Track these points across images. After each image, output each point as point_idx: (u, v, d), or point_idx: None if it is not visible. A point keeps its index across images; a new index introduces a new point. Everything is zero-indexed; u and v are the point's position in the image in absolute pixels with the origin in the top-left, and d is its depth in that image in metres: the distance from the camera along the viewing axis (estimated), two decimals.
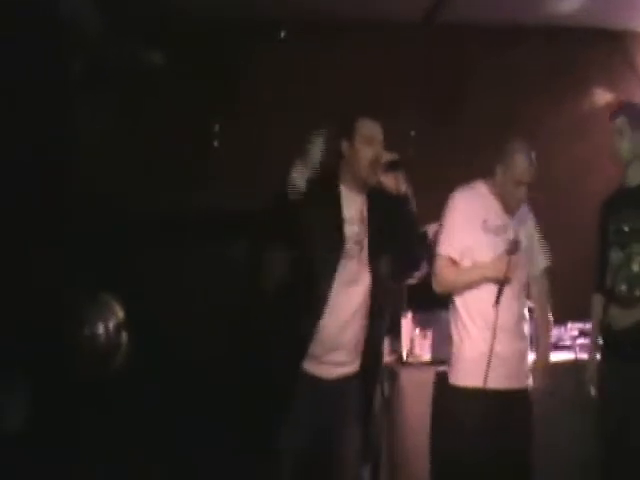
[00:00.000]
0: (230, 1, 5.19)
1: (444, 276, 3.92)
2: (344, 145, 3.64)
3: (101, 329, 4.05)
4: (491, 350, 3.74)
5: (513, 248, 3.75)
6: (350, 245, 3.59)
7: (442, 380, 4.03)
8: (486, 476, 3.77)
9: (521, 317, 3.92)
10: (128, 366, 4.12)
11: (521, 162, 3.85)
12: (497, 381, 3.78)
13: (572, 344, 4.94)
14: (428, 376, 4.57)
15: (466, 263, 3.88)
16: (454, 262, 3.89)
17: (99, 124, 4.54)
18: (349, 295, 3.60)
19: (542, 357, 4.03)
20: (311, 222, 3.55)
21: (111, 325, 4.09)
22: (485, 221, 3.87)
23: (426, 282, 4.81)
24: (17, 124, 3.84)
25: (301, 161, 3.50)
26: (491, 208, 3.91)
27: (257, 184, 5.04)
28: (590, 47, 5.95)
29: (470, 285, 3.85)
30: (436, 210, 4.81)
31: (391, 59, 5.66)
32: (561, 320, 5.20)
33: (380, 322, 3.75)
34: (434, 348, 4.73)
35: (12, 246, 3.82)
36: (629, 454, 3.77)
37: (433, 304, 4.71)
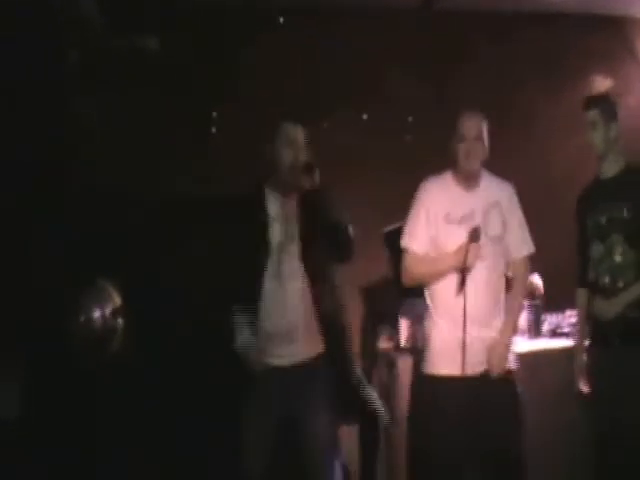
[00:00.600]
0: None
1: (411, 269, 3.87)
2: (267, 148, 3.77)
3: (97, 314, 4.04)
4: (464, 338, 3.67)
5: (473, 236, 3.67)
6: (278, 243, 3.72)
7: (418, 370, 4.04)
8: (470, 462, 3.74)
9: (494, 304, 3.84)
10: (124, 352, 4.11)
11: (463, 120, 3.82)
12: (473, 368, 3.71)
13: (570, 331, 4.92)
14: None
15: (431, 251, 3.82)
16: (417, 254, 3.84)
17: (98, 112, 4.53)
18: (288, 290, 3.70)
19: (499, 339, 3.84)
20: (237, 224, 3.75)
21: (107, 311, 4.08)
22: (448, 214, 3.79)
23: None
24: (17, 116, 3.83)
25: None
26: (455, 198, 3.83)
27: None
28: (589, 34, 5.92)
29: (437, 276, 3.80)
30: None
31: (389, 45, 5.63)
32: (559, 307, 5.22)
33: (333, 311, 3.95)
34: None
35: (10, 231, 3.81)
36: (618, 442, 3.77)
37: None
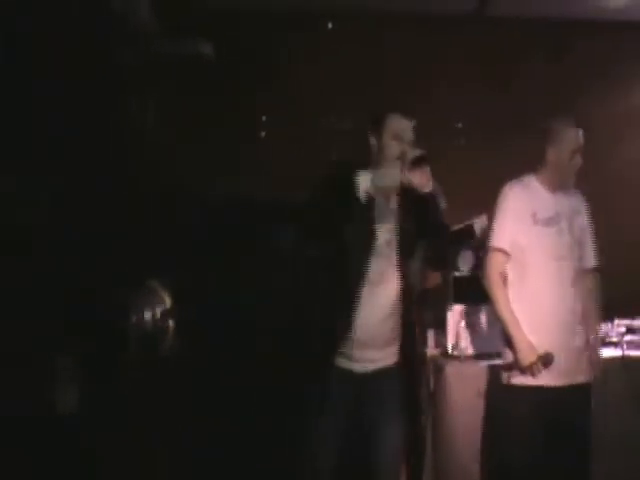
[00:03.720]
0: None
1: (493, 273, 3.92)
2: (372, 140, 3.59)
3: (148, 316, 4.07)
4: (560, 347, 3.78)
5: (546, 360, 3.76)
6: (380, 244, 3.54)
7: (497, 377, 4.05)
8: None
9: (580, 310, 3.91)
10: (174, 354, 4.14)
11: (572, 131, 3.90)
12: (563, 378, 3.81)
13: (619, 341, 4.87)
14: (473, 370, 4.58)
15: (516, 256, 3.88)
16: (506, 254, 3.89)
17: (151, 116, 4.57)
18: (378, 294, 3.54)
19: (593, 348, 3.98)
20: (343, 221, 3.49)
21: (158, 312, 4.11)
22: (534, 214, 3.87)
23: (472, 275, 4.82)
24: (73, 118, 3.87)
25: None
26: (541, 200, 3.92)
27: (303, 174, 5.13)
28: (637, 42, 5.87)
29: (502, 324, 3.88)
30: (484, 200, 4.83)
31: (440, 51, 5.63)
32: (608, 316, 5.17)
33: (417, 319, 3.75)
34: (478, 342, 4.73)
35: (59, 231, 3.85)
36: None
37: (480, 297, 4.70)
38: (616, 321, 5.10)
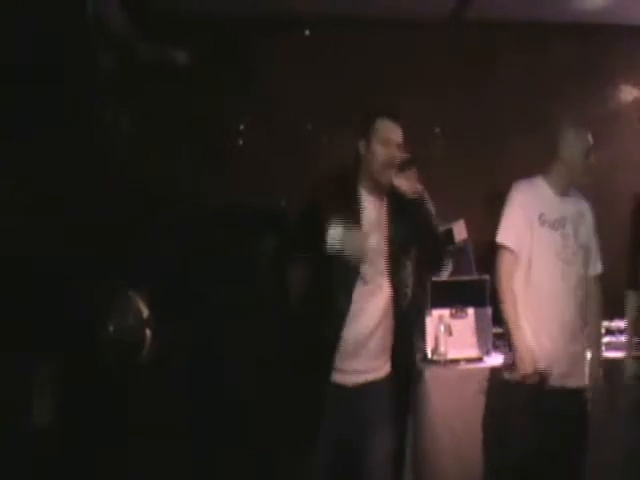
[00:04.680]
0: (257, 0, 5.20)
1: (505, 271, 3.97)
2: (361, 145, 3.59)
3: (125, 325, 4.06)
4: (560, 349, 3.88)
5: (544, 377, 3.87)
6: (369, 252, 3.52)
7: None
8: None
9: (581, 316, 4.00)
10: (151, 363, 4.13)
11: (585, 134, 3.98)
12: (563, 380, 3.90)
13: (609, 342, 4.86)
14: (453, 374, 4.59)
15: (521, 254, 3.92)
16: (511, 250, 3.93)
17: (125, 123, 4.56)
18: (369, 303, 3.52)
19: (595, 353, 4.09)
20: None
21: (136, 322, 4.10)
22: (542, 214, 3.93)
23: (451, 279, 4.84)
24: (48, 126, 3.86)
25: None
26: (548, 202, 3.97)
27: (282, 183, 5.13)
28: (618, 44, 5.88)
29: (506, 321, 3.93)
30: (461, 205, 4.85)
31: (417, 57, 5.62)
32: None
33: (406, 326, 3.67)
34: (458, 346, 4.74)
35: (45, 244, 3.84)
36: None
37: (458, 301, 4.72)
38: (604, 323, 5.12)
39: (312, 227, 3.49)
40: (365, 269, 3.50)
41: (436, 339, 4.73)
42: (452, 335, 4.72)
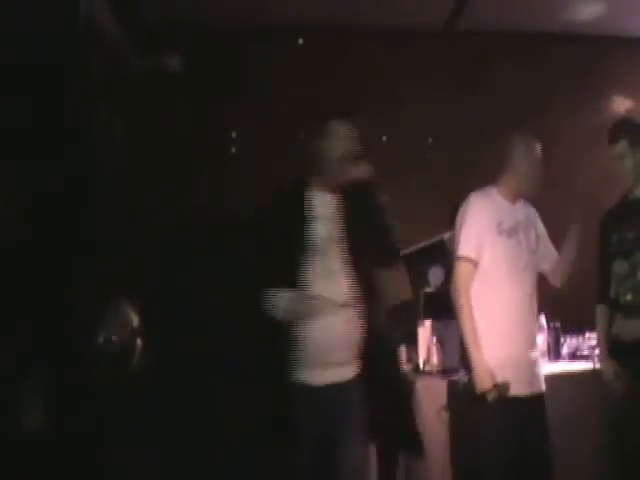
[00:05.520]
0: (248, 8, 5.20)
1: (461, 283, 3.92)
2: (313, 141, 3.71)
3: (116, 335, 4.04)
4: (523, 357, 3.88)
5: (503, 390, 3.79)
6: (321, 242, 3.58)
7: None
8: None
9: (535, 321, 4.05)
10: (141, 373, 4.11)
11: (533, 145, 3.99)
12: (527, 387, 3.87)
13: (590, 354, 4.89)
14: (445, 385, 4.58)
15: (482, 262, 3.90)
16: (472, 262, 3.91)
17: (118, 132, 4.55)
18: (330, 292, 3.52)
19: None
20: (280, 222, 3.59)
21: (126, 331, 4.08)
22: (499, 223, 3.94)
23: (444, 290, 4.83)
24: (40, 132, 3.84)
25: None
26: (504, 210, 3.99)
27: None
28: (610, 54, 5.91)
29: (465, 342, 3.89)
30: (450, 218, 4.85)
31: (411, 66, 5.64)
32: (579, 330, 5.18)
33: (379, 330, 3.66)
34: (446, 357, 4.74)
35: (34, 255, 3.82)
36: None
37: (451, 313, 4.71)
38: (587, 334, 5.13)
39: (266, 235, 3.64)
40: (321, 259, 3.56)
41: (428, 350, 4.73)
42: (444, 346, 4.71)
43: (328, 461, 3.53)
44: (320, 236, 3.59)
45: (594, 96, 5.91)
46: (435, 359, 4.71)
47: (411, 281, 5.05)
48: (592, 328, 4.83)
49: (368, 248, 3.62)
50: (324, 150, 3.67)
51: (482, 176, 4.83)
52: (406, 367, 4.91)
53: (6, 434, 3.44)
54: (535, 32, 5.72)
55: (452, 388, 4.37)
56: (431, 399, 4.53)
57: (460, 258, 3.93)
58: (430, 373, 4.70)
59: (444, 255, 4.94)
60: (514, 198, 4.05)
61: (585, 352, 5.10)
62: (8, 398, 3.51)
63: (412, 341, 4.86)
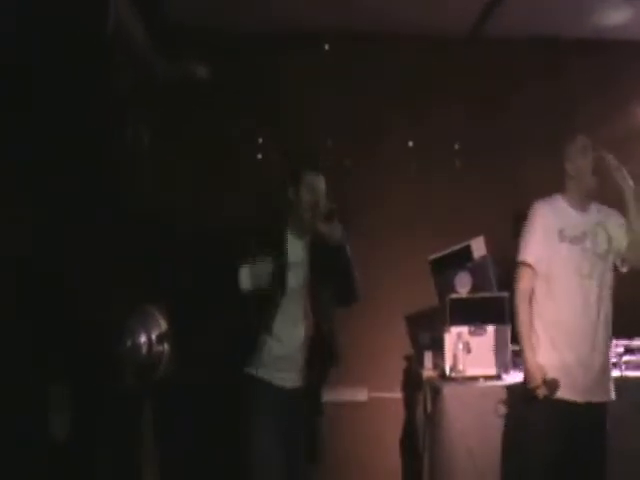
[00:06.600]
0: (275, 16, 5.21)
1: (523, 288, 4.09)
2: (291, 192, 4.09)
3: (143, 340, 4.06)
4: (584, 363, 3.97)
5: (552, 388, 3.95)
6: (293, 287, 4.00)
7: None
8: None
9: (606, 325, 4.09)
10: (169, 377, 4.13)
11: (585, 151, 4.11)
12: (593, 395, 4.00)
13: (618, 361, 4.85)
14: (471, 391, 4.57)
15: (541, 270, 4.05)
16: (530, 267, 4.07)
17: (145, 139, 4.58)
18: (297, 328, 4.03)
19: None
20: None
21: (154, 336, 4.09)
22: (561, 230, 4.05)
23: (469, 296, 4.82)
24: (67, 138, 3.87)
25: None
26: (568, 218, 4.10)
27: None
28: (637, 60, 5.87)
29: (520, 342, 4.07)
30: (477, 224, 4.86)
31: (437, 74, 5.63)
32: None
33: (323, 348, 4.11)
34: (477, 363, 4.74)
35: (57, 256, 3.84)
36: None
37: (477, 319, 4.71)
38: (614, 341, 5.08)
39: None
40: (292, 301, 4.01)
41: (454, 356, 4.72)
42: (471, 352, 4.71)
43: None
44: (292, 280, 4.00)
45: (623, 102, 5.86)
46: (461, 366, 4.70)
47: (438, 286, 5.07)
48: (620, 336, 4.81)
49: (330, 292, 4.10)
50: (298, 197, 4.06)
51: (515, 185, 4.91)
52: (433, 373, 4.91)
53: (33, 438, 3.47)
54: (562, 38, 5.68)
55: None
56: (456, 406, 4.53)
57: (519, 263, 4.11)
58: (456, 379, 4.69)
59: (471, 261, 4.94)
60: (582, 204, 4.14)
61: (613, 360, 5.03)
62: (36, 402, 3.54)
63: (438, 347, 4.85)
